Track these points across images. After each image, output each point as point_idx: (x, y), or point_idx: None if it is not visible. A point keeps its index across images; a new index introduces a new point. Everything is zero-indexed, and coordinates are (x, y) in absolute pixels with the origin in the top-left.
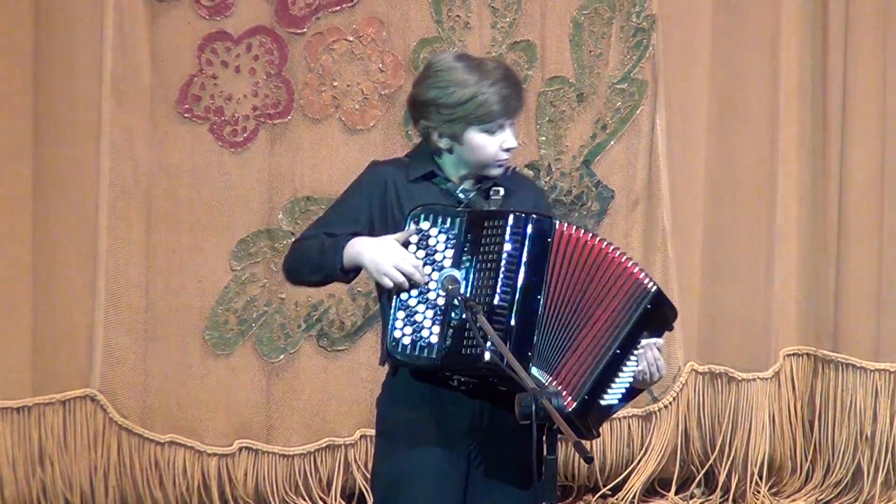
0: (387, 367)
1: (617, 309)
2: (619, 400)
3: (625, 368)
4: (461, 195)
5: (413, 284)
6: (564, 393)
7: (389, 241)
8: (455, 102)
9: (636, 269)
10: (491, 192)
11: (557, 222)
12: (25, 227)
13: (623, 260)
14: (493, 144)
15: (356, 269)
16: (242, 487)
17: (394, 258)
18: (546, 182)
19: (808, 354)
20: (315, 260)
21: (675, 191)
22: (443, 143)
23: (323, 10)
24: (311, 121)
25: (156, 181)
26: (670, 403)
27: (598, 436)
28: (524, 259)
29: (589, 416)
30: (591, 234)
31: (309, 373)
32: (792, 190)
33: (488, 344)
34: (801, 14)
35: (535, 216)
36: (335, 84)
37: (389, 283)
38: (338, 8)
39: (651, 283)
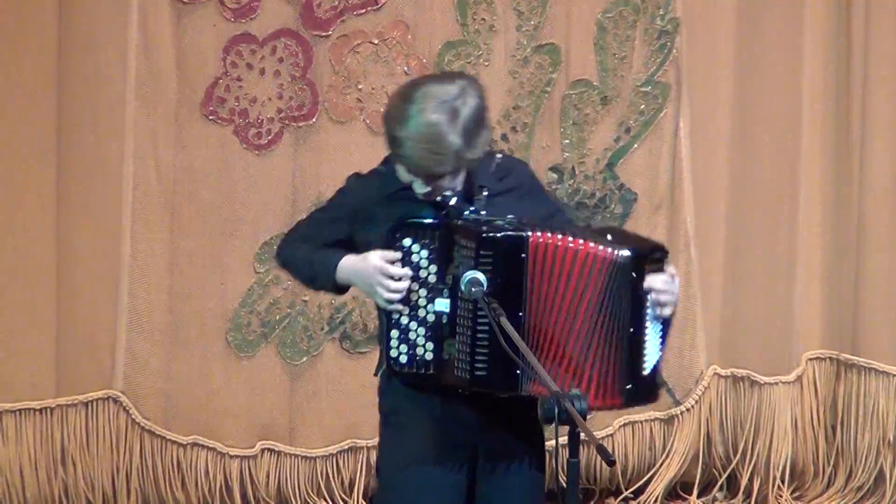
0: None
1: (605, 295)
2: (658, 356)
3: (645, 336)
4: (442, 202)
5: (407, 299)
6: (607, 397)
7: (376, 259)
8: (390, 137)
9: (604, 249)
10: (475, 194)
11: (530, 234)
12: (49, 228)
13: (592, 247)
14: (418, 186)
15: (348, 286)
16: (264, 489)
17: (380, 278)
18: (569, 185)
19: (830, 358)
20: (307, 273)
21: (698, 194)
22: None
23: (348, 13)
24: (335, 123)
25: (179, 183)
26: (692, 407)
27: (658, 398)
28: (498, 280)
29: (641, 393)
30: (563, 236)
31: (331, 375)
32: (814, 194)
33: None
34: (823, 19)
35: (502, 234)
36: (360, 87)
37: (384, 302)
38: (363, 11)
39: (621, 252)
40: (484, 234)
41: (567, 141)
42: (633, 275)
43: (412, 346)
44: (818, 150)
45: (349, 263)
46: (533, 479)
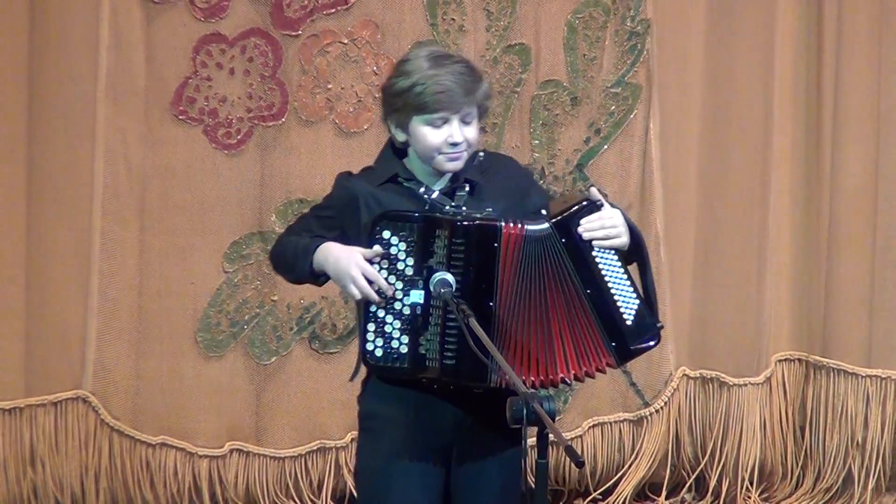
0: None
1: (554, 271)
2: (636, 298)
3: (609, 290)
4: (425, 195)
5: (381, 293)
6: (594, 362)
7: (355, 253)
8: (399, 90)
9: (529, 229)
10: (457, 190)
11: (503, 224)
12: (19, 227)
13: (528, 230)
14: (435, 137)
15: (326, 274)
16: (233, 489)
17: (355, 272)
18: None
19: (799, 360)
20: (289, 261)
21: (668, 195)
22: (399, 136)
23: (317, 13)
24: (304, 123)
25: (149, 183)
26: (661, 408)
27: (663, 326)
28: (471, 268)
29: (632, 342)
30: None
31: (300, 375)
32: (784, 195)
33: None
34: (795, 20)
35: (475, 224)
36: (329, 87)
37: (356, 293)
38: (332, 10)
39: (539, 227)
40: (458, 223)
41: (537, 142)
42: (563, 240)
43: (388, 339)
44: (789, 151)
45: (327, 249)
46: (505, 480)
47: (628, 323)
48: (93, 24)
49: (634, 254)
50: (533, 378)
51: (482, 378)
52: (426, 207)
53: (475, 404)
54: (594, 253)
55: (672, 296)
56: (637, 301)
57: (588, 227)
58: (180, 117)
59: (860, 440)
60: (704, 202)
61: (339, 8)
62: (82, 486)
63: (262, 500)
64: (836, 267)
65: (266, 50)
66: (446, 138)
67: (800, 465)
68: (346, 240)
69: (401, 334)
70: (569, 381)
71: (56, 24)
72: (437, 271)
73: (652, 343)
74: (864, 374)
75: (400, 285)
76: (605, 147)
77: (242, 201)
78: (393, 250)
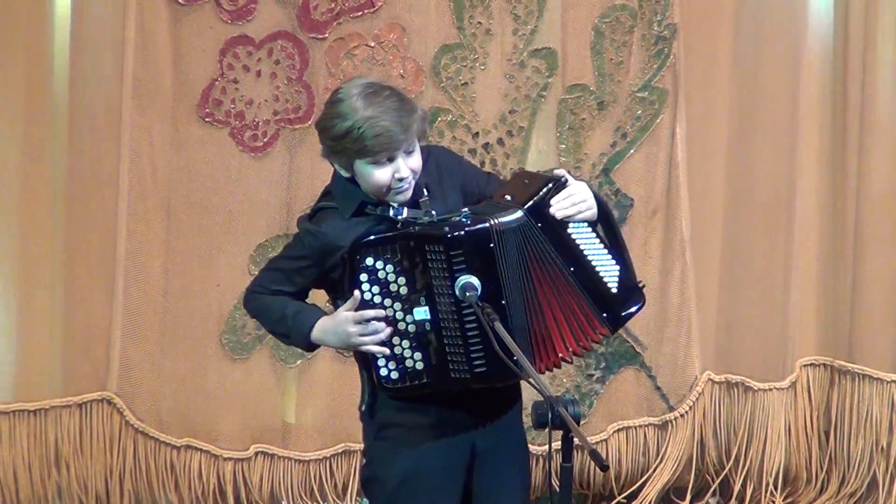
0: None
1: (535, 256)
2: (615, 264)
3: (590, 264)
4: (397, 216)
5: (386, 320)
6: (590, 335)
7: (343, 318)
8: (337, 135)
9: (507, 220)
10: (420, 203)
11: (490, 223)
12: (45, 228)
13: (505, 221)
14: (382, 175)
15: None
16: (258, 492)
17: (354, 329)
18: None
19: (824, 365)
20: (280, 331)
21: (694, 200)
22: (344, 173)
23: (344, 16)
24: None
25: (175, 185)
26: (686, 412)
27: (644, 285)
28: (476, 275)
29: (621, 308)
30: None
31: (325, 378)
32: (810, 200)
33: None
34: (822, 24)
35: (467, 230)
36: None
37: (366, 346)
38: (359, 13)
39: (514, 216)
40: (449, 236)
41: (563, 146)
42: (539, 225)
43: (400, 360)
44: (815, 157)
45: (321, 327)
46: (524, 474)
47: (613, 291)
48: (119, 25)
49: (602, 220)
50: (539, 364)
51: (515, 375)
52: (399, 226)
53: (496, 403)
54: (569, 230)
55: (698, 299)
56: (617, 267)
57: (559, 206)
58: (206, 119)
59: (885, 445)
60: (730, 206)
61: (365, 11)
62: (106, 488)
63: (286, 503)
64: (862, 272)
65: (293, 52)
66: (393, 174)
67: (824, 469)
68: (329, 281)
69: (412, 352)
70: (569, 360)
71: (83, 25)
72: (432, 290)
73: (639, 305)
74: (888, 380)
75: (399, 305)
76: (632, 151)
77: (269, 204)
78: (381, 274)
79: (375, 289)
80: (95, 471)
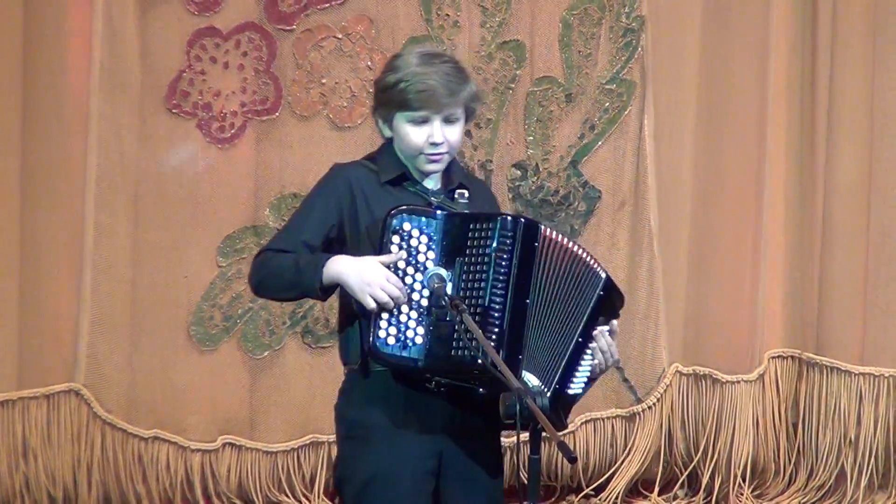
0: (342, 372)
1: (575, 298)
2: (583, 388)
3: (585, 356)
4: (432, 198)
5: (396, 303)
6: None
7: (374, 263)
8: (385, 85)
9: (589, 259)
10: (456, 195)
11: (542, 226)
12: (12, 220)
13: (580, 252)
14: (417, 135)
15: (333, 287)
16: (226, 483)
17: (381, 280)
18: (533, 182)
19: (792, 357)
20: (291, 277)
21: (662, 192)
22: (385, 131)
23: (312, 7)
24: (298, 118)
25: (143, 176)
26: (654, 404)
27: (567, 427)
28: (515, 262)
29: (559, 407)
30: (565, 238)
31: (293, 370)
32: (778, 192)
33: (473, 343)
34: (789, 17)
35: (523, 219)
36: (323, 81)
37: (373, 304)
38: (327, 5)
39: (601, 270)
40: (504, 215)
41: (531, 138)
42: (602, 294)
43: (403, 328)
44: (783, 149)
45: (342, 261)
46: (495, 485)
47: (569, 392)
48: (86, 17)
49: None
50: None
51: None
52: (434, 207)
53: (466, 404)
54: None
55: (665, 291)
56: (583, 390)
57: (604, 343)
58: (174, 111)
59: (853, 438)
60: (698, 199)
61: (333, 3)
62: (74, 479)
63: (254, 494)
64: (830, 264)
65: (260, 44)
66: (427, 138)
67: (792, 462)
68: (341, 234)
69: (416, 325)
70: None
71: (50, 17)
72: (463, 266)
73: (564, 425)
74: (857, 372)
75: (419, 277)
76: (600, 143)
77: (236, 195)
78: (413, 242)
79: (403, 253)
80: (63, 462)
